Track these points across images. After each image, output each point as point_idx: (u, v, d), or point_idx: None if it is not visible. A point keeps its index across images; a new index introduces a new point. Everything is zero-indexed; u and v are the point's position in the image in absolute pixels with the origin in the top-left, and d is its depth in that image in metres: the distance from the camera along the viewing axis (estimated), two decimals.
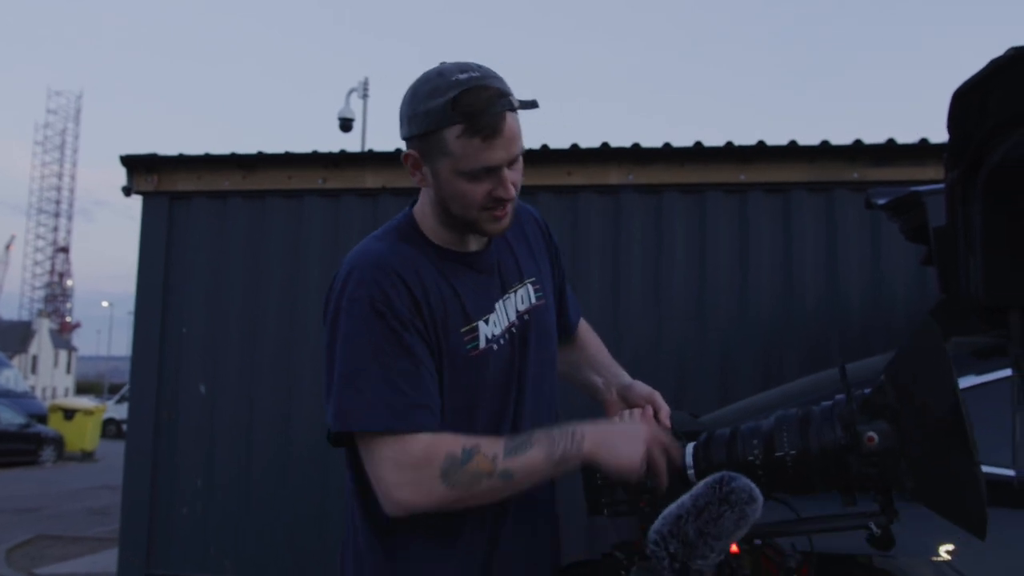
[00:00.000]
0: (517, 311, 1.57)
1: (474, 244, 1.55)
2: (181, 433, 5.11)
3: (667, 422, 1.56)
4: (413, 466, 1.37)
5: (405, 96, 1.46)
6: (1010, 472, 2.41)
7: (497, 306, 1.54)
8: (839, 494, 1.37)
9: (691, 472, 1.42)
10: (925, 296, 4.65)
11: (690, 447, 1.45)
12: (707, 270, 4.91)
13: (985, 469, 2.38)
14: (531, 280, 1.63)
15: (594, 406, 1.77)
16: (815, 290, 4.84)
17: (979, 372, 2.51)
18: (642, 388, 1.67)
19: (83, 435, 19.32)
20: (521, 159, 1.46)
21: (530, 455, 1.38)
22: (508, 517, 1.52)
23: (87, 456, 19.29)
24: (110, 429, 24.86)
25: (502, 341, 1.52)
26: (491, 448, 1.39)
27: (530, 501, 1.55)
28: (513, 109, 1.40)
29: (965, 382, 2.45)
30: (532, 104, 1.43)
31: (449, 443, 1.39)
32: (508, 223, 1.50)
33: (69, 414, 19.63)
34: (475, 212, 1.45)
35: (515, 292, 1.58)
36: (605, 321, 4.87)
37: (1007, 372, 2.54)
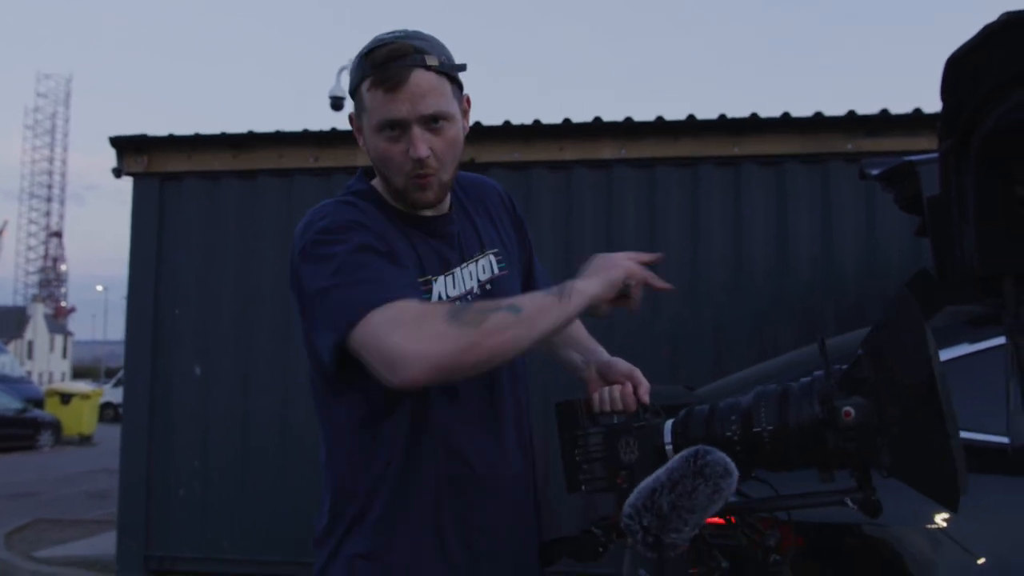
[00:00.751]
0: (478, 280, 1.55)
1: (430, 211, 1.52)
2: (177, 415, 5.11)
3: (646, 398, 1.55)
4: (415, 318, 1.27)
5: None
6: (1004, 440, 2.42)
7: (456, 271, 1.52)
8: (817, 471, 1.37)
9: (669, 448, 1.41)
10: (920, 266, 4.64)
11: (668, 423, 1.43)
12: (700, 243, 4.90)
13: (980, 437, 2.40)
14: (493, 251, 1.61)
15: (578, 385, 1.76)
16: (810, 261, 4.84)
17: (973, 340, 2.51)
18: (621, 364, 1.65)
19: (80, 419, 19.31)
20: (449, 126, 1.42)
21: (532, 296, 1.38)
22: (484, 502, 1.48)
23: (85, 440, 19.29)
24: (107, 413, 24.86)
25: (459, 304, 1.46)
26: (496, 304, 1.34)
27: (507, 485, 1.52)
28: (423, 66, 1.38)
29: (959, 351, 2.46)
30: (459, 67, 1.44)
31: (437, 304, 1.39)
32: (432, 196, 1.45)
33: (66, 398, 19.61)
34: (401, 179, 1.43)
35: (476, 262, 1.56)
36: None
37: (1001, 340, 2.54)
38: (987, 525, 2.24)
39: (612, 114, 4.91)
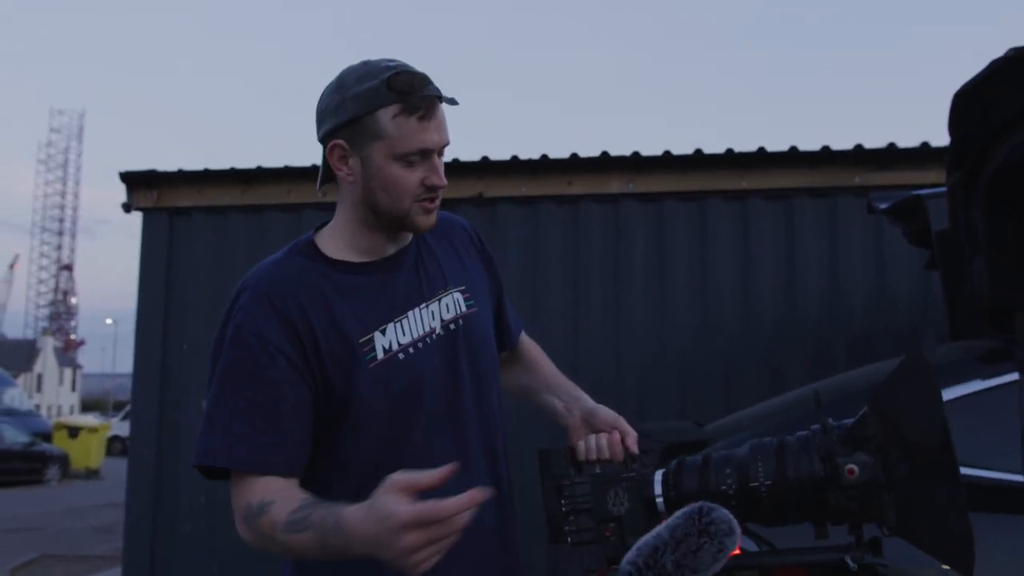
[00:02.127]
0: (442, 320, 1.51)
1: (390, 248, 1.51)
2: (184, 449, 5.08)
3: (635, 448, 1.52)
4: (233, 501, 1.38)
5: (325, 91, 1.45)
6: (1018, 478, 2.38)
7: (411, 313, 1.47)
8: (812, 526, 1.33)
9: (660, 500, 1.36)
10: (929, 300, 4.62)
11: (659, 474, 1.39)
12: (709, 278, 4.89)
13: (994, 475, 2.37)
14: (460, 288, 1.57)
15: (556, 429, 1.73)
16: (818, 296, 4.82)
17: (985, 376, 2.48)
18: (607, 414, 1.61)
19: (88, 453, 19.30)
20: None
21: (301, 539, 1.25)
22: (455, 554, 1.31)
23: (92, 474, 19.26)
24: (115, 446, 24.84)
25: (411, 350, 1.45)
26: (280, 512, 1.28)
27: (472, 539, 1.35)
28: (441, 96, 1.41)
29: (971, 387, 2.43)
30: (453, 101, 1.44)
31: (258, 491, 1.34)
32: (434, 219, 1.47)
33: (74, 432, 19.62)
34: (407, 203, 1.42)
35: (439, 300, 1.52)
36: (607, 330, 4.85)
37: (1014, 376, 2.51)
38: (1002, 566, 2.20)
39: (619, 148, 4.96)
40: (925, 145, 4.78)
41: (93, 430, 19.83)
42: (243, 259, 5.21)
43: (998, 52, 2.27)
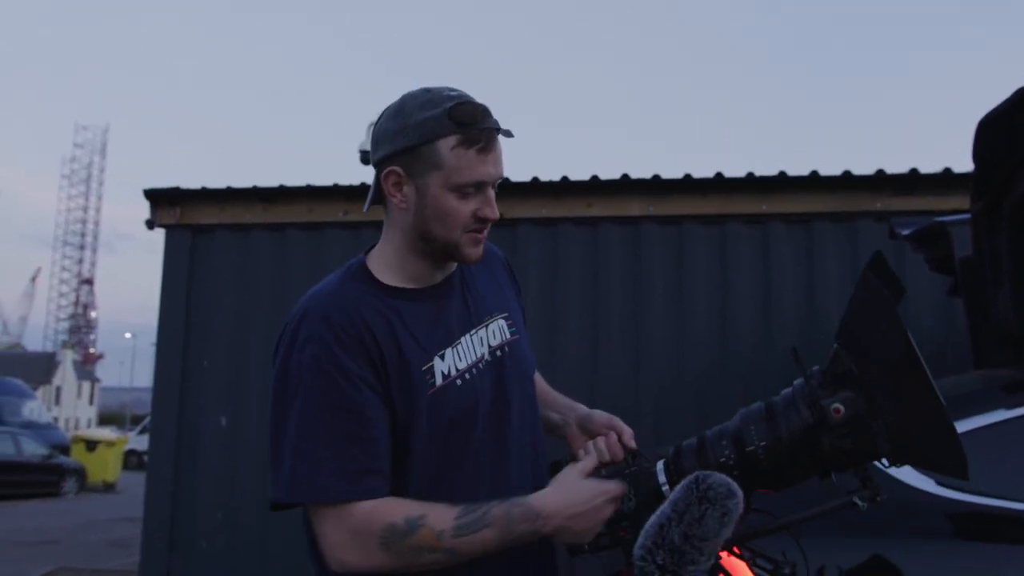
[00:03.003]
0: (489, 345, 1.53)
1: (438, 275, 1.51)
2: (201, 466, 5.11)
3: (632, 443, 1.54)
4: (353, 531, 1.33)
5: (385, 114, 1.44)
6: None
7: (464, 339, 1.49)
8: (817, 479, 1.34)
9: (665, 488, 1.39)
10: (951, 326, 4.58)
11: (660, 463, 1.42)
12: (729, 301, 4.87)
13: (1018, 506, 2.33)
14: (503, 315, 1.59)
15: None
16: (838, 321, 4.77)
17: (1010, 406, 2.45)
18: (601, 416, 1.62)
19: (105, 466, 19.37)
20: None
21: (481, 535, 1.32)
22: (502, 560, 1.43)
23: (108, 487, 19.32)
24: (131, 460, 24.92)
25: (467, 376, 1.47)
26: (439, 521, 1.32)
27: (519, 554, 1.46)
28: (500, 129, 1.41)
29: (996, 416, 2.40)
30: (509, 133, 1.43)
31: (392, 511, 1.33)
32: (483, 249, 1.49)
33: (91, 445, 19.70)
34: (458, 234, 1.42)
35: (486, 326, 1.54)
36: (626, 351, 4.84)
37: None
38: None
39: (640, 171, 4.98)
40: (947, 171, 4.76)
41: (110, 444, 19.91)
42: (265, 277, 5.25)
43: (1021, 78, 2.27)
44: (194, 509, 5.07)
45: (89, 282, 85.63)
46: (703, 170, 5.49)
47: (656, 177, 4.98)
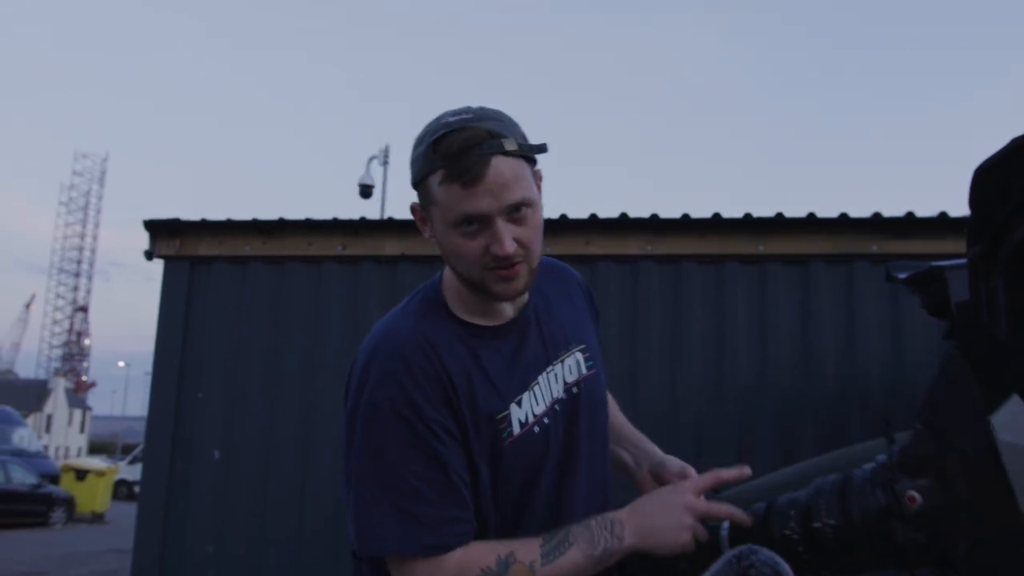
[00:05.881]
0: (565, 383, 1.43)
1: (510, 309, 1.40)
2: (194, 499, 5.07)
3: None
4: None
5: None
6: None
7: (541, 379, 1.40)
8: (895, 573, 1.22)
9: (725, 546, 1.33)
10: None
11: (726, 524, 1.35)
12: (725, 342, 4.88)
13: None
14: (580, 348, 1.49)
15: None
16: (834, 363, 4.80)
17: None
18: (674, 464, 1.56)
19: (94, 496, 19.21)
20: (532, 212, 1.29)
21: (569, 556, 1.28)
22: None
23: (97, 518, 19.14)
24: (122, 490, 24.71)
25: (546, 420, 1.38)
26: (527, 553, 1.27)
27: None
28: (501, 152, 1.24)
29: None
30: (539, 148, 1.30)
31: (483, 555, 1.27)
32: (521, 285, 1.33)
33: (81, 475, 19.55)
34: (478, 271, 1.30)
35: (562, 362, 1.44)
36: (623, 391, 4.82)
37: None
38: None
39: (638, 210, 5.05)
40: (943, 215, 4.79)
41: (100, 473, 19.75)
42: (263, 310, 5.25)
43: (1014, 120, 2.29)
44: (185, 542, 5.02)
45: (84, 309, 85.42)
46: (700, 207, 5.50)
47: (654, 216, 5.01)
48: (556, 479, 1.40)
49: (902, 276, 3.67)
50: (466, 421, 1.31)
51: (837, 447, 3.89)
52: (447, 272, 1.42)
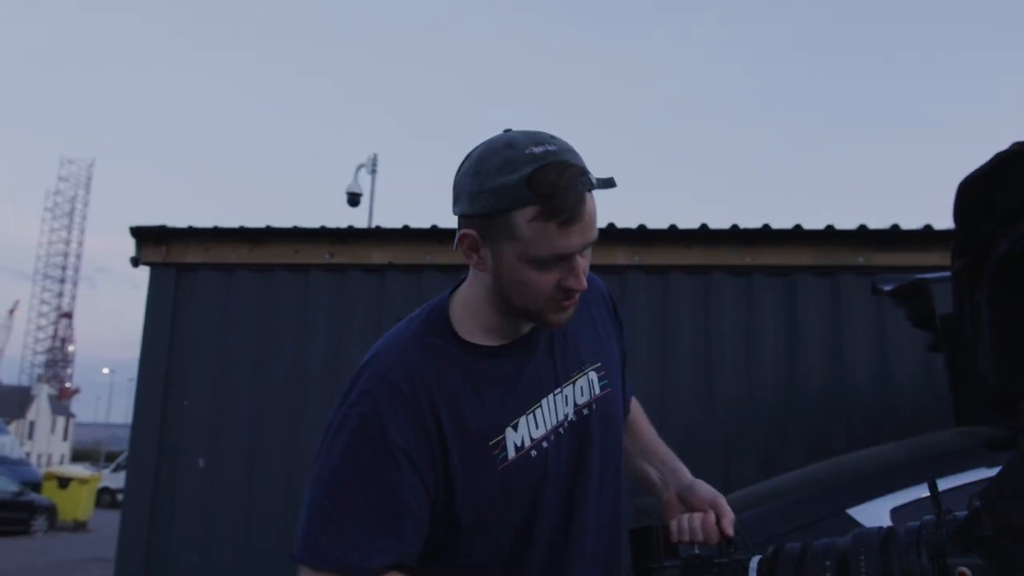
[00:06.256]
0: (576, 404, 1.39)
1: (525, 327, 1.37)
2: (179, 507, 5.04)
3: (730, 530, 1.41)
4: None
5: (465, 168, 1.28)
6: None
7: (545, 401, 1.35)
8: None
9: None
10: (931, 382, 4.62)
11: (755, 561, 1.30)
12: (712, 352, 4.90)
13: None
14: (595, 367, 1.44)
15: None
16: (820, 374, 4.82)
17: (989, 465, 2.48)
18: (704, 489, 1.49)
19: (77, 504, 19.05)
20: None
21: None
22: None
23: (79, 526, 18.98)
24: (105, 498, 24.53)
25: (545, 444, 1.34)
26: None
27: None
28: (592, 188, 1.23)
29: (977, 475, 2.42)
30: (610, 183, 1.25)
31: None
32: (572, 314, 1.33)
33: (64, 482, 19.39)
34: (540, 303, 1.28)
35: (574, 383, 1.40)
36: None
37: None
38: None
39: (626, 220, 5.09)
40: (928, 228, 4.83)
41: (84, 481, 19.60)
42: (249, 318, 5.24)
43: (999, 133, 2.32)
44: (169, 551, 4.99)
45: (68, 316, 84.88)
46: (688, 217, 5.52)
47: (642, 227, 5.03)
48: (565, 498, 1.36)
49: (887, 288, 3.70)
50: (448, 446, 1.28)
51: (823, 457, 3.91)
52: (462, 294, 1.40)
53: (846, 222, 4.41)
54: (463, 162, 1.30)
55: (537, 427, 1.34)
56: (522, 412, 1.33)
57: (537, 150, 1.22)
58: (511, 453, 1.31)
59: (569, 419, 1.38)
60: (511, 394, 1.33)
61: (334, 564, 1.23)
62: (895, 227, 4.88)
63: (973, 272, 2.81)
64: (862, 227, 4.90)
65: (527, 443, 1.32)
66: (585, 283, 1.28)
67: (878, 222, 5.17)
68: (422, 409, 1.27)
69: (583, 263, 1.29)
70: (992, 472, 2.43)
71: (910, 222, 5.08)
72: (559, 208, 1.19)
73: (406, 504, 1.25)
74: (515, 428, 1.32)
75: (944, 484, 2.11)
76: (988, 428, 2.82)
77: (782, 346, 4.87)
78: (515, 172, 1.20)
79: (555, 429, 1.36)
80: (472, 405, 1.30)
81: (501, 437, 1.31)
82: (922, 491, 2.53)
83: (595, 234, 1.27)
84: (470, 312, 1.36)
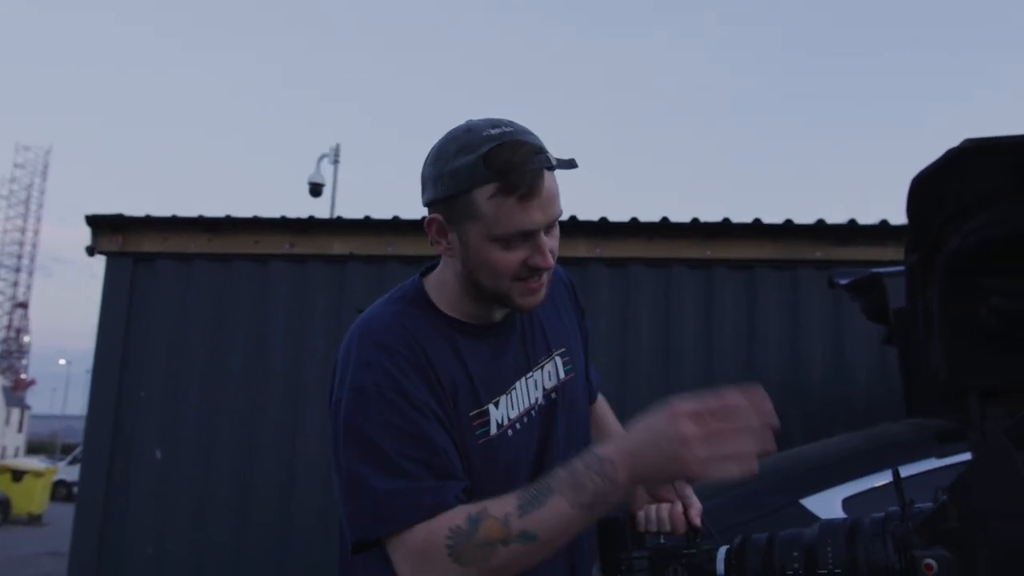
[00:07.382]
0: (544, 388, 1.42)
1: (497, 314, 1.39)
2: (134, 499, 4.98)
3: (697, 520, 1.41)
4: (419, 552, 1.19)
5: (428, 156, 1.32)
6: None
7: (519, 384, 1.38)
8: None
9: None
10: (885, 374, 4.70)
11: (722, 551, 1.30)
12: (672, 343, 4.94)
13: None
14: (560, 352, 1.47)
15: None
16: (778, 366, 4.88)
17: (940, 455, 2.53)
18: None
19: (31, 497, 18.72)
20: (558, 224, 1.32)
21: (551, 506, 1.15)
22: None
23: (34, 519, 18.66)
24: (60, 491, 24.13)
25: (518, 426, 1.36)
26: (501, 507, 1.17)
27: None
28: (551, 167, 1.26)
29: (927, 464, 2.47)
30: (571, 163, 1.29)
31: (453, 515, 1.19)
32: (543, 296, 1.35)
33: (18, 475, 19.03)
34: (507, 283, 1.30)
35: (542, 368, 1.43)
36: None
37: (967, 456, 2.56)
38: None
39: (588, 212, 5.12)
40: (884, 223, 4.91)
41: (39, 474, 19.25)
42: (207, 308, 5.18)
43: (954, 129, 2.36)
44: (124, 541, 4.93)
45: (24, 305, 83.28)
46: (648, 210, 5.55)
47: (603, 220, 5.05)
48: (531, 480, 1.34)
49: (843, 282, 3.75)
50: (446, 407, 1.29)
51: (780, 447, 3.96)
52: (435, 276, 1.41)
53: (805, 216, 4.49)
54: (426, 156, 1.33)
55: (513, 408, 1.36)
56: (501, 392, 1.35)
57: (494, 131, 1.25)
58: (493, 429, 1.33)
59: (539, 403, 1.40)
60: (491, 372, 1.35)
61: (421, 512, 1.20)
62: (852, 222, 4.96)
63: (925, 267, 2.86)
64: (820, 222, 4.97)
65: (505, 422, 1.35)
66: (551, 261, 1.29)
67: (837, 217, 5.26)
68: (426, 370, 1.28)
69: (550, 242, 1.30)
70: (941, 463, 2.49)
71: (867, 217, 5.16)
72: (516, 183, 1.22)
73: (444, 451, 1.26)
74: (496, 406, 1.34)
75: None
76: (939, 421, 2.88)
77: (742, 338, 4.93)
78: (472, 152, 1.24)
79: (527, 412, 1.38)
80: (461, 377, 1.32)
81: (484, 410, 1.33)
82: (874, 481, 2.58)
83: (558, 211, 1.29)
84: (444, 294, 1.38)
